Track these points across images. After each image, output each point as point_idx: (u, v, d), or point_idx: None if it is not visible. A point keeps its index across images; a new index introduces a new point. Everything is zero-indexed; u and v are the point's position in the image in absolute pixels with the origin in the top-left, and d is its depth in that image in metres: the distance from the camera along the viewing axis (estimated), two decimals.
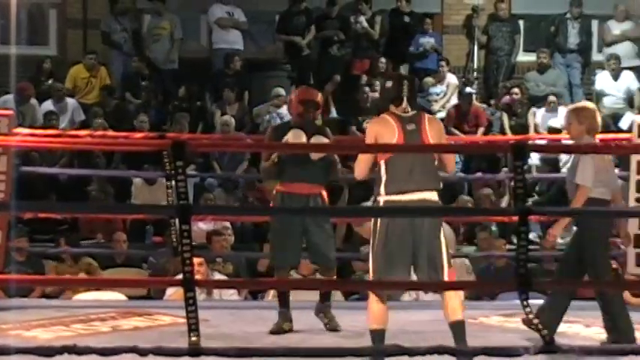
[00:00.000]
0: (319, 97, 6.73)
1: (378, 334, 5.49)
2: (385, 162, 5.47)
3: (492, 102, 13.06)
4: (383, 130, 5.52)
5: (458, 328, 5.39)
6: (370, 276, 5.51)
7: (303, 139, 6.49)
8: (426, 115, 5.66)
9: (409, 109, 5.57)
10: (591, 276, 5.95)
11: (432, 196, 5.46)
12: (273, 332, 6.45)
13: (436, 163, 5.54)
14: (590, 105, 6.51)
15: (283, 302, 6.65)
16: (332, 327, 6.62)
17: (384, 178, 5.47)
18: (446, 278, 5.39)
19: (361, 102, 12.44)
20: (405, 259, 5.40)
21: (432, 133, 5.53)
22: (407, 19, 13.47)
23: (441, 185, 5.53)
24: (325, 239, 6.56)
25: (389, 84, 5.66)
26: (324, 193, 6.60)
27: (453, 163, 5.69)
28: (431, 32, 13.58)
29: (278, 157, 6.52)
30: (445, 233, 5.53)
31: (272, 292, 8.30)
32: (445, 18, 14.10)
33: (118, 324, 6.79)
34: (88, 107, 12.44)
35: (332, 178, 6.73)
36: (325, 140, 6.57)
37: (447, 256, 5.46)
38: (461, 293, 5.58)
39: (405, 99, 5.56)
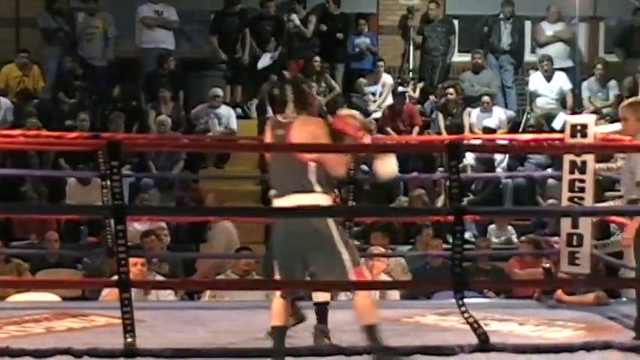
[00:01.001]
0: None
1: (279, 330, 5.48)
2: (268, 167, 5.51)
3: (431, 98, 13.14)
4: (263, 138, 5.54)
5: (368, 333, 5.30)
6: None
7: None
8: (302, 119, 5.42)
9: (294, 114, 5.42)
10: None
11: (306, 199, 5.32)
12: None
13: (309, 165, 5.32)
14: None
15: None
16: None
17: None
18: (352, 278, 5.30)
19: None
20: (294, 265, 5.40)
21: (300, 135, 5.35)
22: (335, 20, 13.48)
23: (319, 187, 5.34)
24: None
25: (276, 91, 5.55)
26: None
27: (337, 163, 5.37)
28: (366, 32, 13.65)
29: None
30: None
31: (208, 293, 8.28)
32: (381, 18, 14.17)
33: (52, 325, 6.72)
34: (21, 106, 12.30)
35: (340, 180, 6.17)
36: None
37: (349, 257, 5.32)
38: (370, 295, 5.47)
39: (287, 104, 5.43)
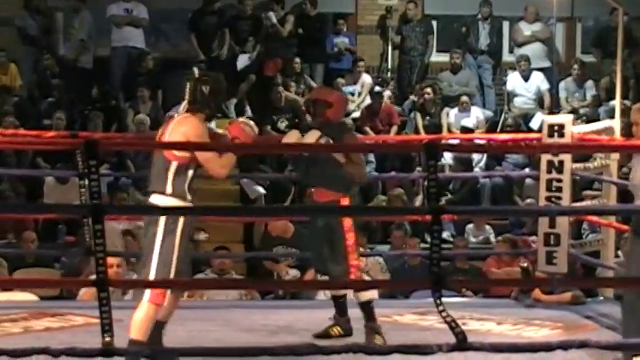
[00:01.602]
0: (328, 95, 6.33)
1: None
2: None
3: (410, 98, 13.15)
4: None
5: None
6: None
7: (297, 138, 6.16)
8: (181, 117, 5.42)
9: (183, 112, 5.45)
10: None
11: (156, 199, 5.35)
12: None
13: (172, 165, 5.30)
14: None
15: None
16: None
17: None
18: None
19: (275, 101, 12.46)
20: None
21: (171, 134, 5.35)
22: (313, 21, 13.47)
23: (171, 189, 5.30)
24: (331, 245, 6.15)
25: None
26: (345, 201, 6.11)
27: (217, 164, 5.33)
28: (345, 32, 13.66)
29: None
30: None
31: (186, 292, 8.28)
32: (359, 18, 14.18)
33: (30, 325, 6.70)
34: None
35: (357, 182, 6.24)
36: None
37: (156, 270, 5.31)
38: (147, 311, 5.32)
39: (184, 102, 5.48)
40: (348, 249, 6.03)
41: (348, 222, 6.04)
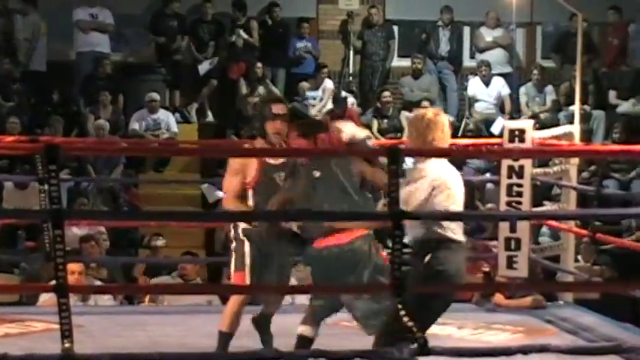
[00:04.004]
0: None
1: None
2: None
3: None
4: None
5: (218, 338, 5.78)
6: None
7: None
8: None
9: None
10: None
11: None
12: None
13: None
14: None
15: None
16: None
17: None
18: None
19: (239, 106, 12.43)
20: None
21: None
22: (276, 26, 13.47)
23: None
24: None
25: None
26: None
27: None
28: (307, 37, 13.66)
29: None
30: None
31: (148, 297, 8.25)
32: (321, 23, 14.18)
33: None
34: None
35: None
36: None
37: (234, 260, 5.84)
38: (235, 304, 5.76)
39: None
40: None
41: None
